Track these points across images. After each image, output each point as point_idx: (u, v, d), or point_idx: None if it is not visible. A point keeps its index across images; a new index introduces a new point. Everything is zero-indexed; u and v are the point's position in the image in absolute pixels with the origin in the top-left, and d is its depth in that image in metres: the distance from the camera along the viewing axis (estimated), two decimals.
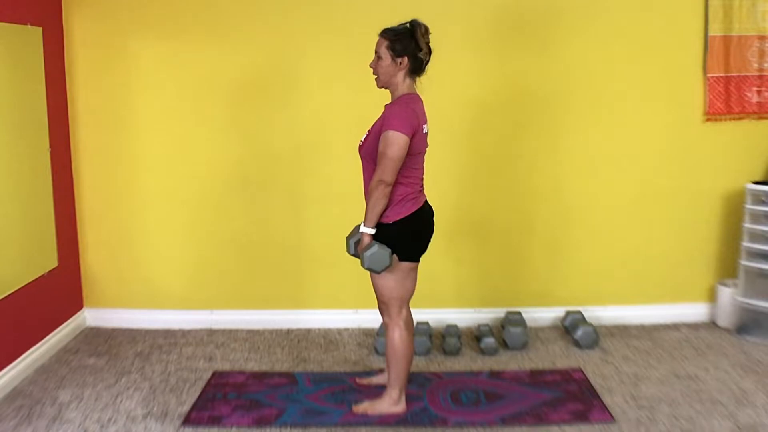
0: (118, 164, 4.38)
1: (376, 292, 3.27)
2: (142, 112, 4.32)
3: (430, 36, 3.14)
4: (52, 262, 4.12)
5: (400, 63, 3.09)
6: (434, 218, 3.32)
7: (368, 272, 3.17)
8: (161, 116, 4.33)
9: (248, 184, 4.37)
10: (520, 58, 4.24)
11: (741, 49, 4.23)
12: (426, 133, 3.16)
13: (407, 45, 3.08)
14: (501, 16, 4.21)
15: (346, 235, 3.41)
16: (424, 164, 3.25)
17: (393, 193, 3.11)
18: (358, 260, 3.18)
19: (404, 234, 3.15)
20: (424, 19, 3.14)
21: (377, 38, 3.14)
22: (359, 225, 3.20)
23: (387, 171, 3.01)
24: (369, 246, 3.07)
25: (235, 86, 4.28)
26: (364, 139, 3.19)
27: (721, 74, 4.25)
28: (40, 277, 3.99)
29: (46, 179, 4.06)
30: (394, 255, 3.13)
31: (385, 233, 3.12)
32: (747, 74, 4.27)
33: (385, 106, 3.15)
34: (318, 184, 4.34)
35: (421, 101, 3.19)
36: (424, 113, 3.18)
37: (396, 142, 2.99)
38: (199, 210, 4.41)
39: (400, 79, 3.13)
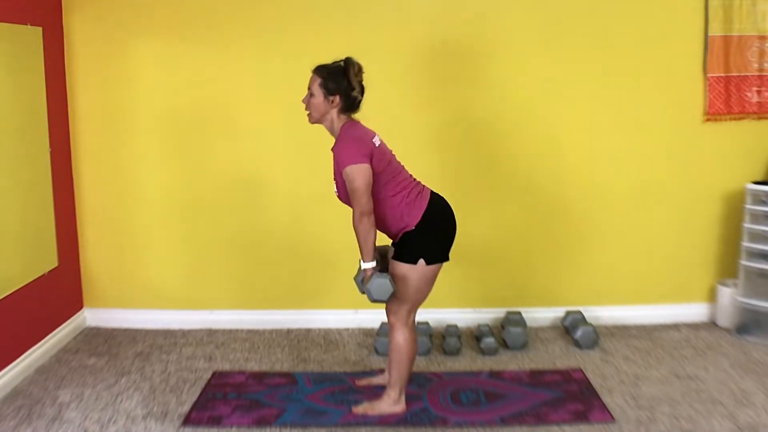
0: (118, 164, 4.38)
1: None
2: (142, 112, 4.32)
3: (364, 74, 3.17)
4: (52, 262, 4.12)
5: (332, 101, 3.12)
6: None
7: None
8: (161, 116, 4.33)
9: (248, 183, 4.37)
10: (520, 58, 4.24)
11: (741, 49, 4.23)
12: (381, 143, 3.17)
13: (340, 83, 3.10)
14: (504, 8, 4.21)
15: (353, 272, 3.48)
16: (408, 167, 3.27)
17: (394, 207, 3.14)
18: (358, 260, 3.18)
19: (431, 232, 3.17)
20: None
21: (311, 74, 3.16)
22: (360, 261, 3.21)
23: (362, 202, 3.03)
24: (369, 279, 3.09)
25: (235, 86, 4.28)
26: (337, 188, 3.22)
27: (721, 74, 4.25)
28: (40, 277, 3.99)
29: (46, 179, 4.06)
30: (421, 259, 3.14)
31: (413, 239, 3.15)
32: (747, 74, 4.27)
33: (332, 149, 3.14)
34: (318, 184, 4.34)
35: (359, 122, 3.21)
36: (367, 129, 3.19)
37: (358, 173, 3.02)
38: (199, 210, 4.41)
39: (334, 116, 3.15)
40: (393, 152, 3.26)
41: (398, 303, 3.22)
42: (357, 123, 3.19)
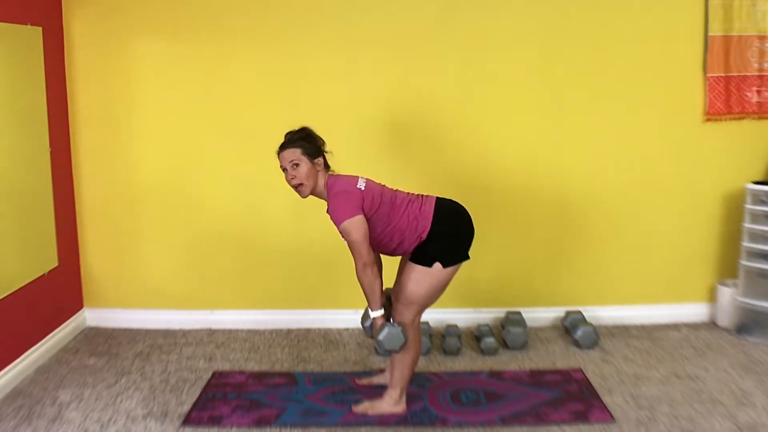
0: (118, 164, 4.38)
1: (400, 293, 3.26)
2: (142, 112, 4.32)
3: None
4: (52, 262, 4.12)
5: (317, 163, 3.18)
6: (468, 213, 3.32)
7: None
8: (161, 116, 4.33)
9: (248, 184, 4.37)
10: (520, 58, 4.24)
11: (741, 49, 4.23)
12: (367, 183, 3.18)
13: (315, 145, 3.19)
14: (505, 6, 4.22)
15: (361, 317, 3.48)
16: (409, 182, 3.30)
17: (404, 228, 3.15)
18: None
19: (444, 236, 3.19)
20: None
21: (281, 154, 3.18)
22: (368, 308, 3.22)
23: (362, 253, 3.06)
24: (381, 329, 3.11)
25: (234, 86, 4.28)
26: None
27: (721, 74, 4.25)
28: (40, 277, 3.99)
29: (46, 179, 4.06)
30: (437, 263, 3.15)
31: (428, 245, 3.16)
32: (747, 74, 4.27)
33: (327, 212, 3.16)
34: None
35: (339, 174, 3.25)
36: (349, 177, 3.22)
37: (351, 227, 3.05)
38: (199, 210, 4.41)
39: (319, 178, 3.20)
40: (381, 183, 3.28)
41: (407, 304, 3.23)
42: (338, 176, 3.25)
